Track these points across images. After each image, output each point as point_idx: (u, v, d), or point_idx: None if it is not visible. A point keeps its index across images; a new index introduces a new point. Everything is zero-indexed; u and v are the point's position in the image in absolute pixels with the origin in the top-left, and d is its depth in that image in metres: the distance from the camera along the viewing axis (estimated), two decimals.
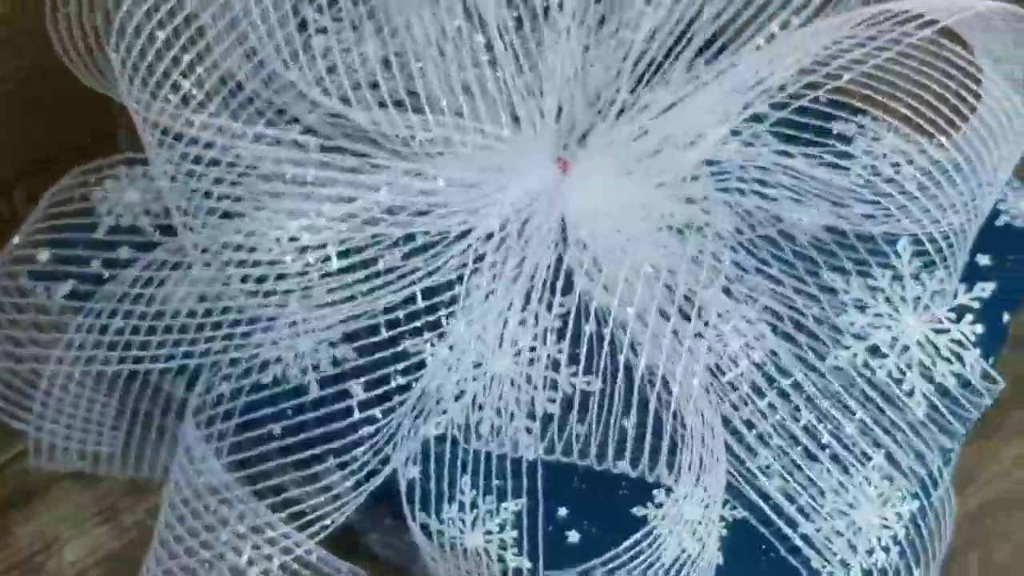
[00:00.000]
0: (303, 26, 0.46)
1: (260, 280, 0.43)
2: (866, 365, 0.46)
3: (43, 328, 0.49)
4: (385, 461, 0.43)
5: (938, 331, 0.46)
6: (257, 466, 0.44)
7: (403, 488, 0.44)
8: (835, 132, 0.50)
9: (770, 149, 0.49)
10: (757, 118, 0.49)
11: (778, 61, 0.47)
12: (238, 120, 0.44)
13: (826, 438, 0.44)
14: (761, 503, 0.44)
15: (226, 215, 0.43)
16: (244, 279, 0.43)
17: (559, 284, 0.46)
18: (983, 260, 0.49)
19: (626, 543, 0.43)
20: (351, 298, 0.43)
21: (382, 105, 0.44)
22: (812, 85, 0.48)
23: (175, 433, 0.49)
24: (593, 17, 0.48)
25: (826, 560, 0.43)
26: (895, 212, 0.48)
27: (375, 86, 0.44)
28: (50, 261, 0.47)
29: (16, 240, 0.49)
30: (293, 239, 0.42)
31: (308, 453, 0.44)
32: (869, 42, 0.47)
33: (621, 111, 0.48)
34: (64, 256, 0.47)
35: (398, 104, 0.44)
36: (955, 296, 0.47)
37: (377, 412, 0.44)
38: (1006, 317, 0.48)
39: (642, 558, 0.43)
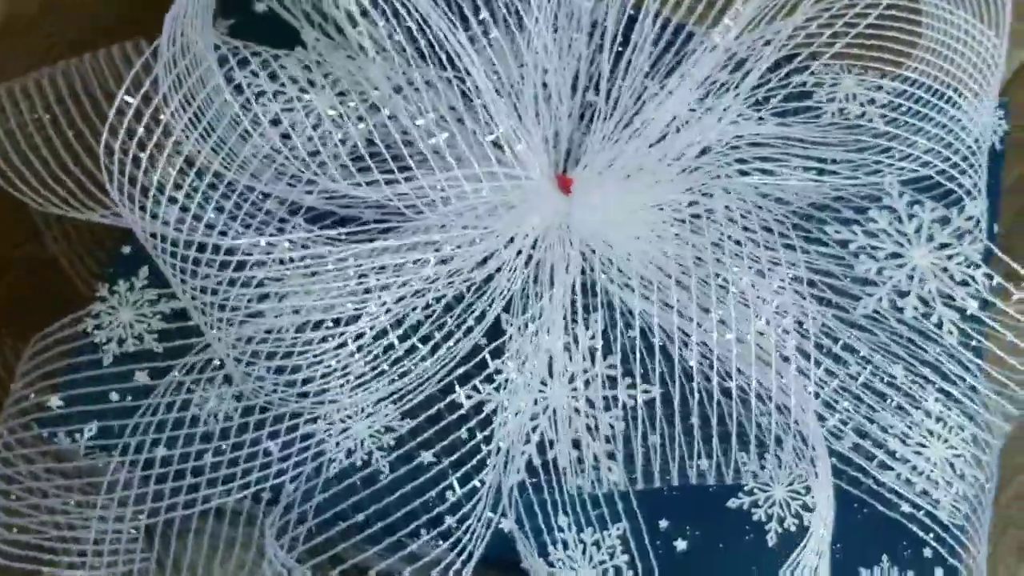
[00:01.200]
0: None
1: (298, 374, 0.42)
2: (893, 306, 0.48)
3: (69, 475, 0.46)
4: (487, 522, 0.42)
5: (947, 257, 0.48)
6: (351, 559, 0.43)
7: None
8: (794, 88, 0.51)
9: (748, 120, 0.50)
10: (724, 87, 0.50)
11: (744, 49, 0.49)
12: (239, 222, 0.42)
13: (882, 387, 0.46)
14: (843, 466, 0.46)
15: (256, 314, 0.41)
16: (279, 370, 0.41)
17: (588, 302, 0.46)
18: (966, 181, 0.51)
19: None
20: (404, 373, 0.42)
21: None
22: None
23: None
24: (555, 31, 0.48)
25: (916, 505, 0.45)
26: (876, 154, 0.49)
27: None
28: (64, 406, 0.44)
29: (18, 390, 0.45)
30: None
31: (398, 535, 0.43)
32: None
33: (603, 121, 0.48)
34: (77, 396, 0.44)
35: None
36: (950, 221, 0.49)
37: (454, 478, 0.43)
38: (995, 228, 0.51)
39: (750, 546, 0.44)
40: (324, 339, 0.40)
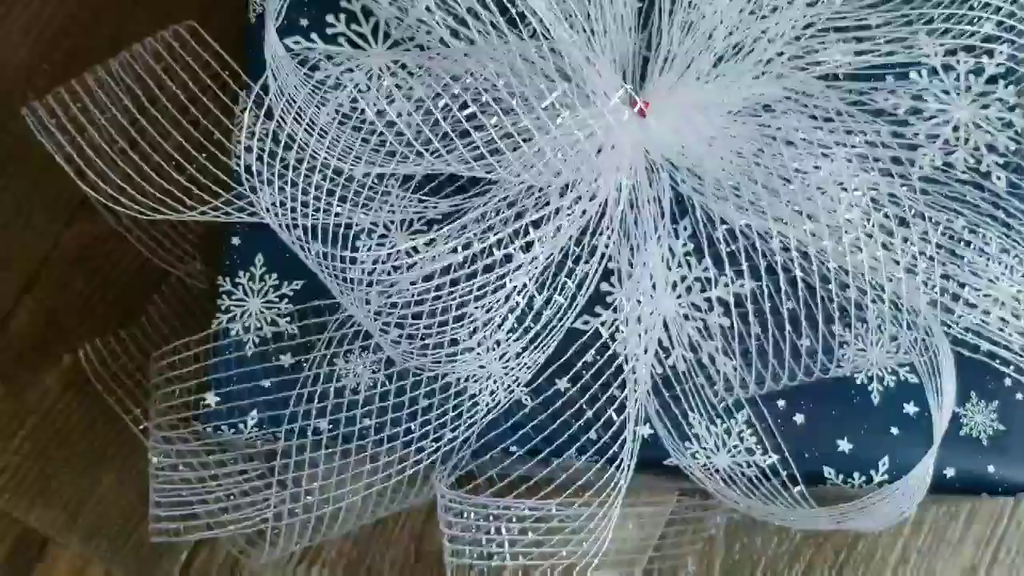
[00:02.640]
0: None
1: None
2: (945, 164, 0.51)
3: (227, 464, 0.49)
4: (634, 434, 0.47)
5: (984, 106, 0.52)
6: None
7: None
8: None
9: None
10: None
11: None
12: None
13: (949, 242, 0.50)
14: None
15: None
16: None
17: (675, 211, 0.49)
18: (988, 28, 0.54)
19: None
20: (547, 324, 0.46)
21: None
22: None
23: None
24: None
25: (994, 342, 0.50)
26: (914, 12, 0.52)
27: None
28: (221, 401, 0.47)
29: (164, 392, 0.48)
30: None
31: (546, 451, 0.47)
32: None
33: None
34: (231, 391, 0.47)
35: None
36: (983, 69, 0.52)
37: (602, 399, 0.48)
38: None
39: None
40: (477, 298, 0.43)
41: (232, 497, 0.50)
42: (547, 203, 0.44)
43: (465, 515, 0.47)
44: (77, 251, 0.62)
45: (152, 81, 0.49)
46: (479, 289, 0.43)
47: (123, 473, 0.60)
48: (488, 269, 0.43)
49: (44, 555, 0.59)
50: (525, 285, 0.45)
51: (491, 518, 0.48)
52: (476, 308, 0.43)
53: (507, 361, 0.46)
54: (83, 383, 0.58)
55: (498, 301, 0.43)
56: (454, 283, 0.44)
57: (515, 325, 0.45)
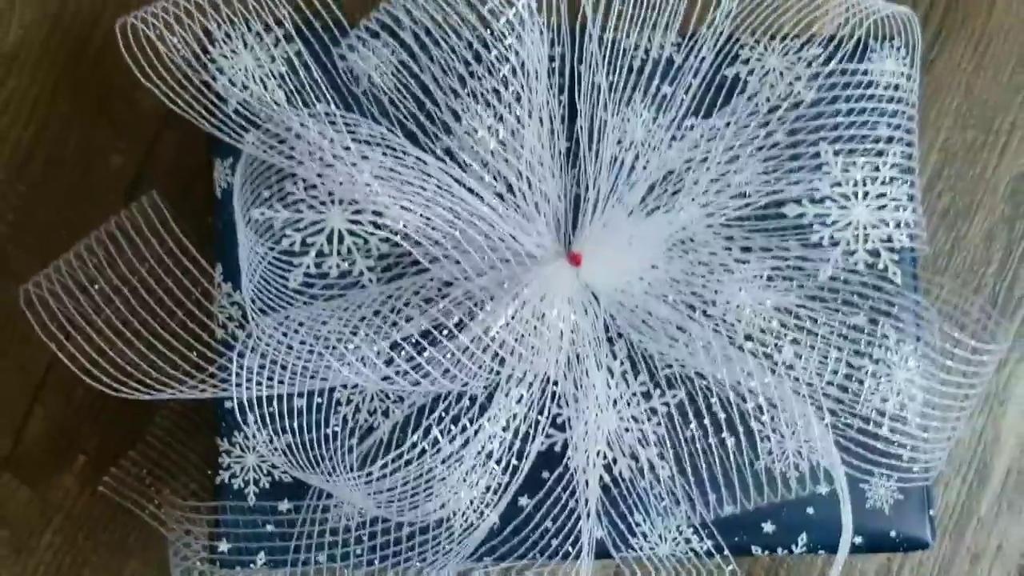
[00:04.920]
0: None
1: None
2: (849, 266, 0.58)
3: None
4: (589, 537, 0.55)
5: (881, 207, 0.58)
6: None
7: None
8: (728, 79, 0.58)
9: (700, 135, 0.57)
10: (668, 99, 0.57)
11: None
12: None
13: (850, 336, 0.57)
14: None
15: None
16: None
17: (612, 336, 0.56)
18: (882, 131, 0.59)
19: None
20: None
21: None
22: None
23: None
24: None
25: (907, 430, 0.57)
26: (812, 125, 0.58)
27: None
28: (231, 547, 0.54)
29: (181, 540, 0.55)
30: None
31: (513, 557, 0.55)
32: None
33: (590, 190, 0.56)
34: (239, 535, 0.54)
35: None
36: (879, 170, 0.58)
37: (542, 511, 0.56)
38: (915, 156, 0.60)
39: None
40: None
41: None
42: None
43: None
44: None
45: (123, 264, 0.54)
46: (444, 461, 0.50)
47: (146, 555, 0.68)
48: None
49: None
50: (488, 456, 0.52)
51: None
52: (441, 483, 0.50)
53: (479, 495, 0.54)
54: (99, 480, 0.65)
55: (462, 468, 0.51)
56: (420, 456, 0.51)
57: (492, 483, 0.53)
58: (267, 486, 0.55)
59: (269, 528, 0.55)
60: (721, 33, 0.57)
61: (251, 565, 0.54)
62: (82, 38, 0.67)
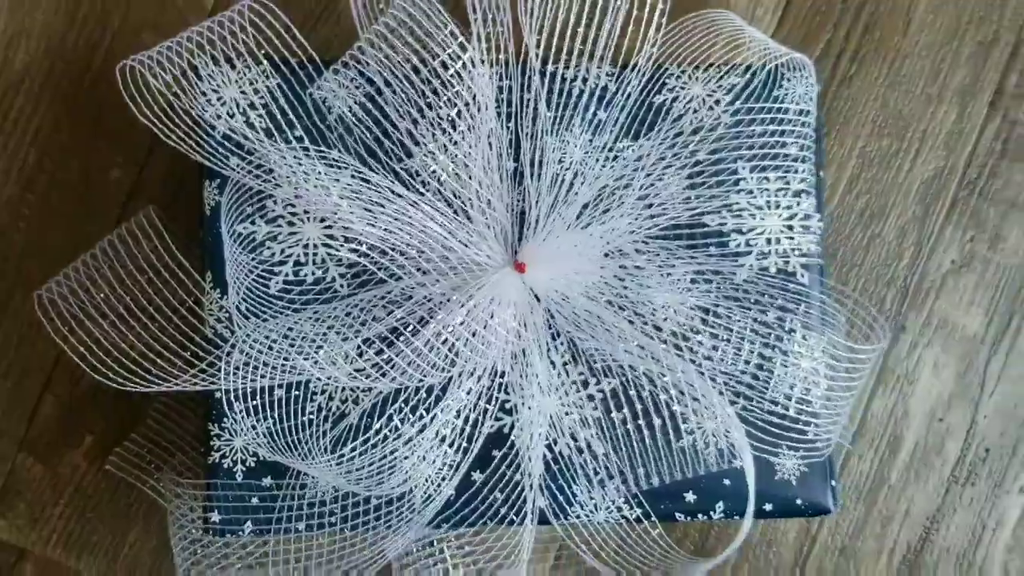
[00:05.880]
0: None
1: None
2: (762, 269, 0.66)
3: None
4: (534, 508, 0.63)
5: (791, 216, 0.66)
6: None
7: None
8: (655, 105, 0.66)
9: (630, 149, 0.65)
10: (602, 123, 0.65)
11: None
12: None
13: (761, 330, 0.65)
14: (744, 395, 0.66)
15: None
16: None
17: (554, 332, 0.64)
18: (792, 150, 0.67)
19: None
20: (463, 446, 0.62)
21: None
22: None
23: None
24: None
25: (812, 410, 0.66)
26: (731, 145, 0.65)
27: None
28: (221, 517, 0.63)
29: (180, 512, 0.64)
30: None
31: (466, 524, 0.64)
32: None
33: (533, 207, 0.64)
34: (228, 507, 0.63)
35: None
36: (789, 184, 0.66)
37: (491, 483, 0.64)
38: (821, 174, 0.68)
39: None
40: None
41: None
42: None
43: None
44: None
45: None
46: (405, 444, 0.59)
47: (147, 524, 0.76)
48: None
49: None
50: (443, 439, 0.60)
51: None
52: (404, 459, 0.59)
53: (436, 472, 0.62)
54: (105, 457, 0.73)
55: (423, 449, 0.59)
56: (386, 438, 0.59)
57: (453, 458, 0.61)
58: (253, 465, 0.63)
59: (255, 501, 0.63)
60: (651, 62, 0.65)
61: (239, 533, 0.63)
62: (83, 63, 0.75)
